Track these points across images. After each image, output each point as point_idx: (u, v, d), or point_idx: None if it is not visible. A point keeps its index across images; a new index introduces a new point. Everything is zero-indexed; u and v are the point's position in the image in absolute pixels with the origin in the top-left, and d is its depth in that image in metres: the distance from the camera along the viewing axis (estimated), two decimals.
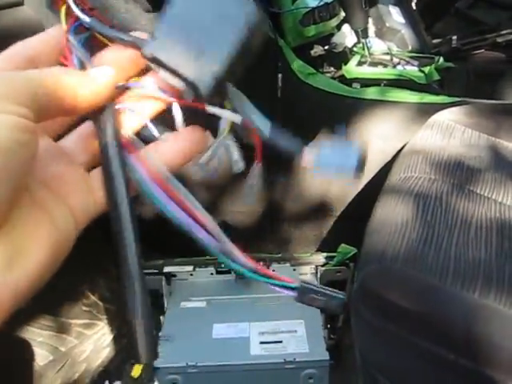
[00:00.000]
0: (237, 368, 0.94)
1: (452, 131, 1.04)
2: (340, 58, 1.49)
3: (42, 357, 1.26)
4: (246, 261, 0.32)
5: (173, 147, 0.33)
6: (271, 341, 0.98)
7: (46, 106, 0.27)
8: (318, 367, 0.94)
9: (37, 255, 0.27)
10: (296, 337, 0.98)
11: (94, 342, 1.31)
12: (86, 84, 0.29)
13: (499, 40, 1.56)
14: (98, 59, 0.32)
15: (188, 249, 1.33)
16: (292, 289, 0.32)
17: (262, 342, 0.98)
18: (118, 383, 1.23)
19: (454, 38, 1.54)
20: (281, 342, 0.98)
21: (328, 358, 0.93)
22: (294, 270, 1.13)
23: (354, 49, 1.52)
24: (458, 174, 0.89)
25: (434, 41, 1.59)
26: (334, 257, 1.13)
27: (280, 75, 1.37)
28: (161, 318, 1.09)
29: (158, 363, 0.95)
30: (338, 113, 1.36)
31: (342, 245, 1.13)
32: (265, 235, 1.43)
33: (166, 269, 1.14)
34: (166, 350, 0.98)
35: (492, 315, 0.62)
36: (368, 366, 0.68)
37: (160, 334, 1.03)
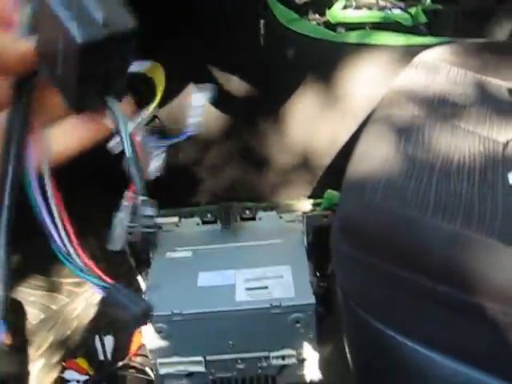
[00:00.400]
0: (222, 314, 0.93)
1: (437, 70, 1.01)
2: (325, 3, 1.45)
3: (33, 316, 1.26)
4: (80, 262, 0.29)
5: (67, 133, 0.30)
6: (257, 287, 0.97)
7: None
8: (305, 311, 0.93)
9: None
10: (282, 282, 0.97)
11: (85, 299, 1.31)
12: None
13: None
14: None
15: (174, 200, 1.32)
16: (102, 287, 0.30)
17: (247, 289, 0.97)
18: (109, 337, 1.23)
19: None
20: (266, 287, 0.96)
21: (314, 301, 0.92)
22: (281, 217, 1.11)
23: None
24: (442, 110, 0.87)
25: None
26: (321, 203, 1.12)
27: (262, 22, 1.33)
28: (148, 269, 1.08)
29: None
30: (322, 58, 1.33)
31: (329, 190, 1.11)
32: (252, 184, 1.41)
33: None
34: (152, 300, 0.96)
35: (472, 243, 0.60)
36: (348, 301, 0.67)
37: (146, 284, 1.02)
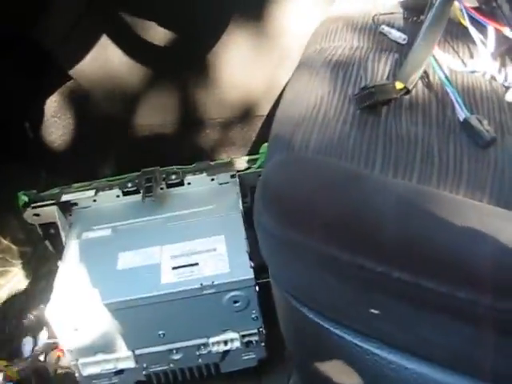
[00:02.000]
0: (146, 301, 0.79)
1: None
2: None
3: None
4: None
5: None
6: (186, 264, 0.82)
7: None
8: (243, 288, 0.79)
9: None
10: (215, 256, 0.83)
11: (9, 290, 1.17)
12: None
13: None
14: None
15: (90, 171, 1.16)
16: None
17: (174, 268, 0.82)
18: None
19: None
20: (197, 264, 0.82)
21: (252, 275, 0.78)
22: (213, 179, 0.96)
23: None
24: (387, 38, 0.71)
25: None
26: (257, 159, 0.96)
27: None
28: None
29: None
30: None
31: (265, 144, 0.96)
32: (181, 145, 1.25)
33: (65, 197, 0.96)
34: (65, 291, 0.81)
35: (434, 205, 0.45)
36: (279, 287, 0.53)
37: (57, 273, 0.86)
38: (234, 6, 1.18)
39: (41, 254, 1.15)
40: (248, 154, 1.16)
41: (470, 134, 0.54)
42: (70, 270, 0.86)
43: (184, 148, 1.26)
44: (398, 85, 0.55)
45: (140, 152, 1.25)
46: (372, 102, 0.55)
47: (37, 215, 0.95)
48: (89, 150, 1.27)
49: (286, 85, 1.13)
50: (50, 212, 0.95)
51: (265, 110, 1.25)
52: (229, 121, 1.27)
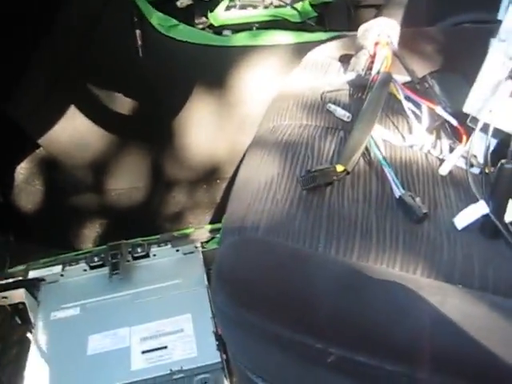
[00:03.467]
0: None
1: (327, 68, 0.91)
2: (210, 6, 1.33)
3: None
4: None
5: None
6: (155, 348, 0.84)
7: None
8: (211, 371, 0.81)
9: None
10: (183, 337, 0.85)
11: None
12: None
13: None
14: None
15: (56, 245, 1.18)
16: None
17: (144, 352, 0.84)
18: None
19: None
20: (166, 347, 0.84)
21: (219, 359, 0.81)
22: (177, 250, 0.99)
23: None
24: (333, 117, 0.77)
25: None
26: (220, 229, 1.00)
27: (138, 32, 1.20)
28: (28, 335, 0.93)
29: None
30: (210, 65, 1.21)
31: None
32: (145, 214, 1.28)
33: (32, 274, 0.98)
34: (35, 379, 0.82)
35: (370, 278, 0.50)
36: (238, 364, 0.56)
37: (28, 356, 0.87)
38: (198, 75, 1.23)
39: (10, 324, 1.15)
40: (212, 217, 1.20)
41: (404, 210, 0.59)
42: (40, 358, 0.86)
43: (151, 211, 1.29)
44: (339, 168, 0.60)
45: (107, 219, 1.28)
46: (315, 185, 0.60)
47: (5, 298, 0.97)
48: (58, 217, 1.29)
49: (247, 149, 1.19)
50: (18, 294, 0.97)
51: (228, 173, 1.29)
52: (194, 184, 1.31)
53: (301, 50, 1.16)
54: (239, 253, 0.55)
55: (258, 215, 0.58)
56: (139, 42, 1.21)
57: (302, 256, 0.53)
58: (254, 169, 0.68)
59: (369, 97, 0.71)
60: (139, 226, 1.16)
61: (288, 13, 1.25)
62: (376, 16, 1.36)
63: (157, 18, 1.21)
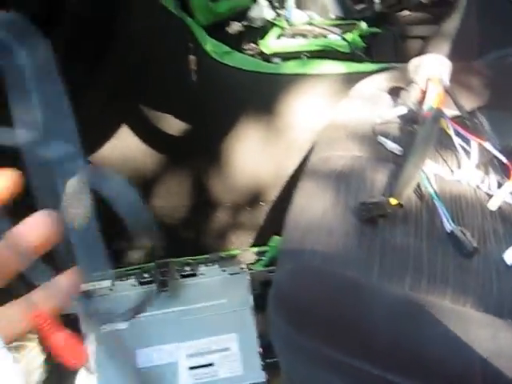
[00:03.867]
0: None
1: (377, 100, 0.94)
2: (260, 33, 1.38)
3: None
4: None
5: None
6: (201, 364, 0.87)
7: None
8: None
9: None
10: (228, 356, 0.88)
11: (24, 365, 1.20)
12: None
13: (424, 0, 1.48)
14: None
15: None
16: None
17: (191, 368, 0.87)
18: None
19: (377, 1, 1.45)
20: (212, 364, 0.87)
21: (263, 379, 0.83)
22: (224, 270, 1.02)
23: (275, 21, 1.42)
24: (383, 148, 0.80)
25: (358, 6, 1.50)
26: (266, 251, 1.03)
27: (193, 58, 1.25)
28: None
29: None
30: (260, 91, 1.25)
31: (275, 237, 1.03)
32: (192, 233, 1.32)
33: (83, 286, 1.01)
34: None
35: (423, 311, 0.52)
36: (287, 378, 0.59)
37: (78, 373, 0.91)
38: (247, 100, 1.27)
39: None
40: (255, 239, 1.23)
41: (455, 245, 0.61)
42: (90, 369, 0.90)
43: (195, 230, 1.33)
44: (393, 201, 0.63)
45: (152, 236, 1.32)
46: (370, 217, 0.63)
47: None
48: (106, 233, 1.34)
49: (293, 174, 1.22)
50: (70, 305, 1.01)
51: (272, 197, 1.32)
52: (238, 205, 1.35)
53: (349, 80, 1.19)
54: (297, 280, 0.58)
55: (315, 243, 0.61)
56: (193, 67, 1.26)
57: (358, 285, 0.56)
58: (309, 197, 0.71)
59: (420, 132, 0.74)
60: (182, 244, 1.19)
61: (337, 43, 1.28)
62: (423, 47, 1.39)
63: (211, 45, 1.26)
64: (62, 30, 1.03)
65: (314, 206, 0.68)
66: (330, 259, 0.59)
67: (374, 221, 0.64)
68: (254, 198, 1.34)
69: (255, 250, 1.05)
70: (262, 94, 1.26)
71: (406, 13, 1.50)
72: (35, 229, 0.30)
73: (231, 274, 1.02)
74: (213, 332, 0.92)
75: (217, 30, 1.36)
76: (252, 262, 1.01)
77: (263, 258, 1.02)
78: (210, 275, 1.02)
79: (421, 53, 1.33)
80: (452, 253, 0.60)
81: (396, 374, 0.48)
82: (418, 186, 0.70)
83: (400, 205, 0.63)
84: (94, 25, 1.09)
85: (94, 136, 1.28)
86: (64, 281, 0.31)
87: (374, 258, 0.59)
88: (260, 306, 0.94)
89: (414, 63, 0.87)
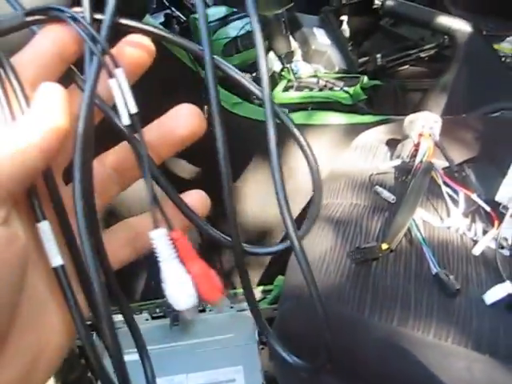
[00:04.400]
0: None
1: (376, 151, 1.03)
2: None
3: None
4: None
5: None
6: None
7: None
8: None
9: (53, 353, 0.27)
10: None
11: None
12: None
13: (423, 55, 1.58)
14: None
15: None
16: None
17: None
18: None
19: (379, 55, 1.55)
20: None
21: None
22: (232, 307, 1.09)
23: (282, 73, 1.52)
24: (380, 198, 0.88)
25: (361, 60, 1.60)
26: (271, 290, 1.10)
27: (205, 107, 1.35)
28: (89, 375, 1.03)
29: None
30: (266, 139, 1.34)
31: (279, 277, 1.10)
32: None
33: None
34: None
35: (408, 343, 0.60)
36: None
37: None
38: (255, 148, 1.35)
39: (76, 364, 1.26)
40: (260, 279, 1.29)
41: (440, 286, 0.68)
42: None
43: None
44: (384, 246, 0.71)
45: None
46: (363, 260, 0.71)
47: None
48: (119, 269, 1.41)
49: (299, 216, 1.29)
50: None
51: (277, 239, 1.40)
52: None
53: (351, 130, 1.28)
54: (297, 316, 0.66)
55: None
56: (205, 116, 1.35)
57: (351, 319, 0.63)
58: (309, 241, 0.78)
59: (412, 183, 0.82)
60: None
61: (340, 95, 1.38)
62: (421, 100, 1.48)
63: (222, 95, 1.36)
64: None
65: (313, 250, 0.76)
66: (327, 297, 0.66)
67: (368, 263, 0.71)
68: (259, 240, 1.42)
69: (261, 288, 1.12)
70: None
71: (405, 67, 1.59)
72: (182, 119, 0.30)
73: (238, 311, 1.09)
74: (220, 364, 0.98)
75: (227, 80, 1.45)
76: (257, 299, 1.08)
77: (268, 296, 1.09)
78: (218, 311, 1.09)
79: (419, 105, 1.43)
80: (437, 293, 0.67)
81: None
82: (409, 231, 0.78)
83: (390, 250, 0.71)
84: None
85: None
86: (189, 200, 0.30)
87: (366, 297, 0.66)
88: (264, 341, 1.01)
89: (409, 119, 0.95)
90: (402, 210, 0.76)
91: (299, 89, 1.42)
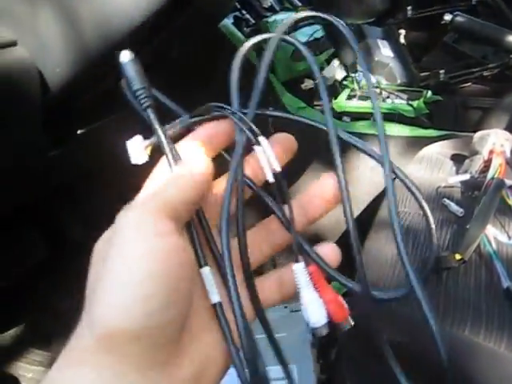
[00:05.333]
0: None
1: (441, 165, 1.04)
2: (330, 91, 1.50)
3: None
4: None
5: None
6: None
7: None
8: None
9: (217, 367, 0.32)
10: None
11: None
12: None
13: (485, 73, 1.58)
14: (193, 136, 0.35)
15: None
16: None
17: None
18: None
19: (442, 71, 1.56)
20: None
21: None
22: (286, 307, 1.11)
23: (344, 82, 1.55)
24: (446, 211, 0.89)
25: (422, 74, 1.61)
26: None
27: (271, 109, 1.38)
28: None
29: None
30: (328, 146, 1.36)
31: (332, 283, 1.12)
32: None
33: None
34: None
35: (481, 353, 0.61)
36: None
37: None
38: (315, 154, 1.37)
39: None
40: None
41: (510, 299, 0.70)
42: None
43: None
44: (457, 256, 0.72)
45: None
46: (436, 268, 0.72)
47: None
48: None
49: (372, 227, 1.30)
50: None
51: (331, 241, 1.41)
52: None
53: (413, 143, 1.29)
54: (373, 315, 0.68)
55: (387, 285, 0.71)
56: (271, 119, 1.38)
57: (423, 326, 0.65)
58: (381, 246, 0.81)
59: (484, 199, 0.83)
60: None
61: (404, 108, 1.40)
62: (482, 118, 1.48)
63: (287, 99, 1.39)
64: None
65: (385, 255, 0.78)
66: (399, 302, 0.68)
67: (439, 272, 0.73)
68: (312, 242, 1.44)
69: None
70: (330, 148, 1.36)
71: (468, 84, 1.60)
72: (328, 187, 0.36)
73: (292, 311, 1.11)
74: (275, 361, 1.00)
75: (293, 86, 1.49)
76: None
77: None
78: (272, 311, 1.11)
79: (480, 123, 1.44)
80: (508, 306, 0.69)
81: None
82: (478, 245, 0.79)
83: (463, 260, 0.72)
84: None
85: None
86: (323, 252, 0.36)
87: (439, 305, 0.68)
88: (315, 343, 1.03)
89: (479, 135, 0.96)
90: (475, 223, 0.78)
91: (362, 98, 1.44)
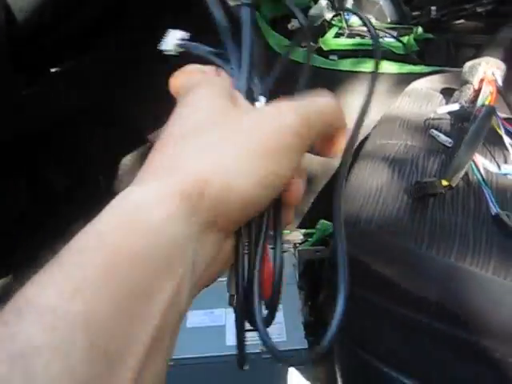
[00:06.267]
0: (212, 360, 0.90)
1: (430, 98, 1.00)
2: (318, 31, 1.45)
3: None
4: None
5: None
6: (248, 329, 0.94)
7: None
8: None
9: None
10: (274, 324, 0.94)
11: None
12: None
13: (479, 10, 1.52)
14: None
15: None
16: None
17: None
18: None
19: (434, 8, 1.51)
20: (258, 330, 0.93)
21: (306, 346, 0.90)
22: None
23: (333, 22, 1.49)
24: (435, 141, 0.86)
25: (414, 13, 1.56)
26: (313, 233, 1.10)
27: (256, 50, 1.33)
28: None
29: None
30: (315, 85, 1.32)
31: (321, 221, 1.10)
32: None
33: None
34: None
35: (467, 278, 0.59)
36: (346, 340, 0.65)
37: None
38: (300, 94, 1.34)
39: None
40: (300, 224, 1.29)
41: (499, 226, 0.67)
42: None
43: None
44: (444, 182, 0.69)
45: None
46: (421, 195, 0.69)
47: None
48: None
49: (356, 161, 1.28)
50: None
51: (319, 187, 1.39)
52: None
53: (402, 80, 1.25)
54: (356, 241, 0.65)
55: (371, 213, 0.68)
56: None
57: (410, 251, 0.63)
58: (364, 177, 0.78)
59: (473, 126, 0.80)
60: None
61: (393, 44, 1.35)
62: (475, 55, 1.43)
63: (274, 39, 1.34)
64: None
65: (369, 185, 0.75)
66: (383, 226, 0.66)
67: (425, 199, 0.70)
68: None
69: (303, 231, 1.12)
70: (317, 88, 1.32)
71: (460, 21, 1.54)
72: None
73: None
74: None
75: (278, 26, 1.43)
76: (299, 242, 1.08)
77: (310, 239, 1.09)
78: None
79: (472, 60, 1.39)
80: (496, 233, 0.66)
81: (441, 323, 0.54)
82: (466, 173, 0.76)
83: (450, 186, 0.69)
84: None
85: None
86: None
87: (424, 231, 0.66)
88: (305, 279, 1.01)
89: (469, 64, 0.93)
90: (462, 150, 0.75)
91: (350, 36, 1.39)
